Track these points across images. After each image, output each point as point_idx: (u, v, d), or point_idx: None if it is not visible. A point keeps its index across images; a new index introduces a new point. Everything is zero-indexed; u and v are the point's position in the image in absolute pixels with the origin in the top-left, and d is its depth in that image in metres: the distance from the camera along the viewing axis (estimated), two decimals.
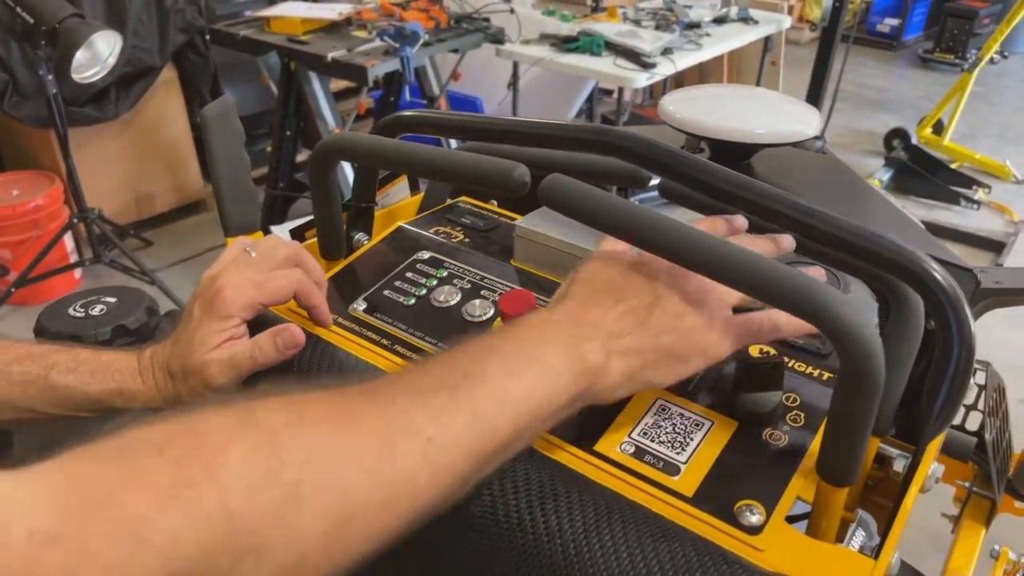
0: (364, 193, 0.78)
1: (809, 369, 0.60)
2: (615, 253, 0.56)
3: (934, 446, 0.54)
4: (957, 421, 1.42)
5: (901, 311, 0.60)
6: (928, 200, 3.75)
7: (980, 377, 1.39)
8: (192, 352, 0.58)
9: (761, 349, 0.61)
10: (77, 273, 3.07)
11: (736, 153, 0.82)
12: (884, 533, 0.51)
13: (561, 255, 0.69)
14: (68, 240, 2.98)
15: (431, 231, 0.78)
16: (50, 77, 2.51)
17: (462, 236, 0.77)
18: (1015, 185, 3.92)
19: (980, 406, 1.35)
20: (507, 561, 0.47)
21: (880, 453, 0.60)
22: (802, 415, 0.55)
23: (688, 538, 0.47)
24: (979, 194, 3.72)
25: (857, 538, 0.56)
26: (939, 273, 0.50)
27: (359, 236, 0.80)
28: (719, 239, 0.49)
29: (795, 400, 0.57)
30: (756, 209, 0.56)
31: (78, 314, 0.87)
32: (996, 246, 3.31)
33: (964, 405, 1.42)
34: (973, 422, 1.34)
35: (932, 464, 0.53)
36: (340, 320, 0.67)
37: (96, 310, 0.87)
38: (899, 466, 0.57)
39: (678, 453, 0.53)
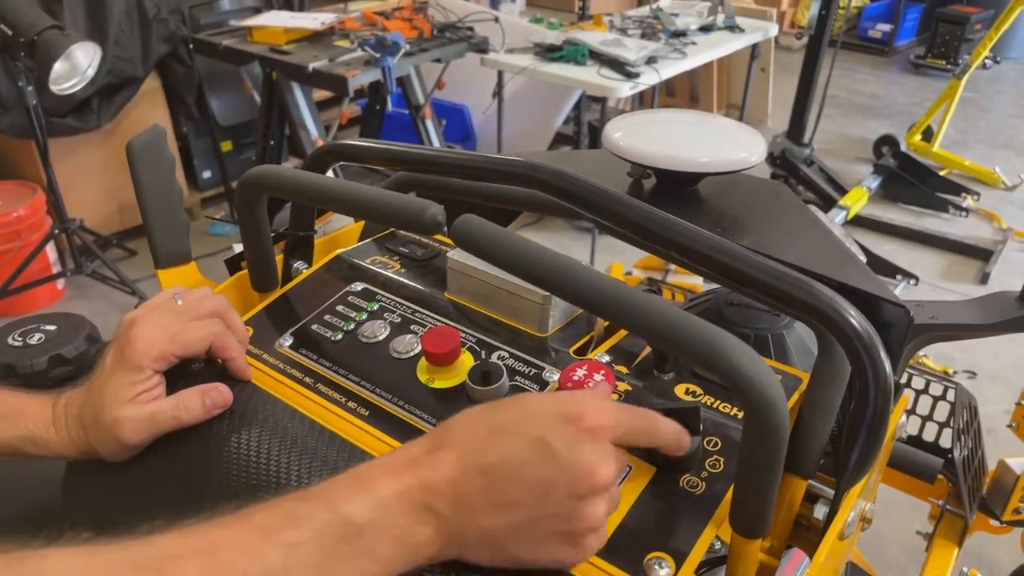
0: (301, 222, 0.77)
1: (734, 411, 0.58)
2: (564, 426, 0.46)
3: (854, 493, 0.52)
4: (930, 438, 1.42)
5: (826, 351, 0.59)
6: (916, 208, 3.74)
7: (950, 395, 1.38)
8: (104, 406, 0.56)
9: (687, 389, 0.60)
10: (60, 284, 3.06)
11: (681, 180, 0.81)
12: None
13: (493, 289, 0.68)
14: (51, 251, 2.97)
15: (368, 261, 0.77)
16: (30, 88, 2.50)
17: (399, 266, 0.76)
18: (1004, 192, 3.91)
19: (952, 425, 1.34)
20: None
21: (811, 491, 0.59)
22: (722, 460, 0.54)
23: None
24: (968, 201, 3.71)
25: None
26: (855, 318, 0.49)
27: (298, 265, 0.79)
28: (627, 287, 0.47)
29: (716, 444, 0.55)
30: (675, 249, 0.55)
31: (16, 343, 0.85)
32: (984, 254, 3.29)
33: (936, 422, 1.41)
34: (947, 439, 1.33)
35: (850, 512, 0.52)
36: (266, 357, 0.66)
37: (34, 339, 0.86)
38: (821, 512, 0.55)
39: None
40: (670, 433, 0.51)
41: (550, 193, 0.60)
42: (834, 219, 3.27)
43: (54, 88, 2.45)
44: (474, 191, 0.77)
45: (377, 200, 0.57)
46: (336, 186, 0.60)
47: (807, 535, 0.66)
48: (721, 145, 0.79)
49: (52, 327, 0.88)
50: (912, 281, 3.09)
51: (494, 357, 0.63)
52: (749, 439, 0.45)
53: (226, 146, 3.52)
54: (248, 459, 0.55)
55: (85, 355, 0.86)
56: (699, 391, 0.60)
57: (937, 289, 3.13)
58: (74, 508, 0.61)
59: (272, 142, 2.98)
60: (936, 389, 1.41)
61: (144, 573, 0.38)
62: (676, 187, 0.81)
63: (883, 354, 0.49)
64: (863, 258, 0.79)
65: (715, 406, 0.59)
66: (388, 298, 0.71)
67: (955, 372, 2.59)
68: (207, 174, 3.56)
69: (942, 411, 1.39)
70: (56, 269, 3.01)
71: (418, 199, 0.55)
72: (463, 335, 0.65)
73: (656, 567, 0.48)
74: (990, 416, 2.31)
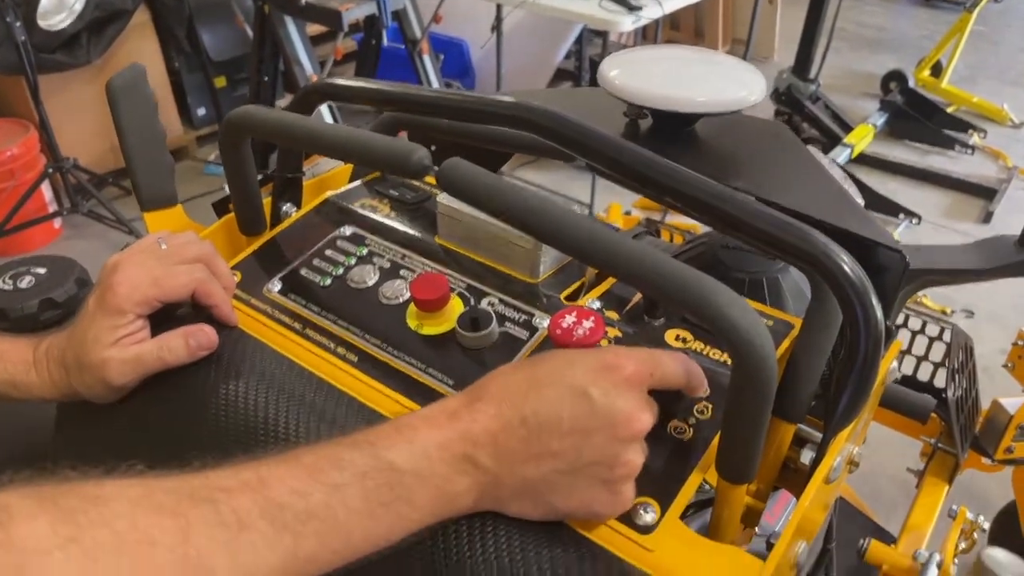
0: (289, 164, 0.76)
1: (724, 357, 0.58)
2: (602, 375, 0.46)
3: (841, 439, 0.52)
4: (924, 378, 1.42)
5: (818, 297, 0.58)
6: (922, 145, 3.68)
7: (946, 335, 1.38)
8: (86, 349, 0.56)
9: (678, 335, 0.60)
10: (56, 223, 3.04)
11: (678, 121, 0.79)
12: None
13: (483, 234, 0.67)
14: (46, 190, 2.94)
15: (357, 204, 0.76)
16: (18, 24, 2.44)
17: (388, 209, 0.75)
18: (1012, 129, 3.84)
19: (947, 366, 1.34)
20: (386, 564, 0.46)
21: (800, 435, 0.59)
22: (710, 406, 0.54)
23: (573, 542, 0.46)
24: (974, 139, 3.65)
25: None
26: (847, 264, 0.48)
27: (287, 208, 0.77)
28: (615, 234, 0.46)
29: (705, 390, 0.55)
30: (667, 192, 0.54)
31: (6, 287, 0.85)
32: (988, 193, 3.26)
33: (931, 362, 1.41)
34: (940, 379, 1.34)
35: (837, 458, 0.52)
36: (254, 302, 0.65)
37: (24, 282, 0.85)
38: (807, 458, 0.55)
39: None
40: (697, 376, 0.52)
41: (540, 135, 0.58)
42: (838, 158, 3.22)
43: (42, 23, 2.40)
44: (465, 132, 0.76)
45: (362, 143, 0.55)
46: (320, 128, 0.59)
47: (795, 477, 0.66)
48: (719, 84, 0.77)
49: (42, 270, 0.87)
50: (914, 220, 3.07)
51: (484, 303, 0.63)
52: (736, 388, 0.45)
53: (220, 82, 3.45)
54: (235, 404, 0.55)
55: (75, 298, 0.85)
56: (689, 337, 0.59)
57: (939, 228, 3.11)
58: (66, 452, 0.61)
59: (266, 78, 2.92)
60: (932, 330, 1.41)
61: (197, 502, 0.39)
62: (672, 127, 0.79)
63: (875, 301, 0.49)
64: (861, 201, 0.78)
65: (704, 352, 0.58)
66: (377, 242, 0.70)
67: (953, 312, 2.59)
68: (201, 111, 3.50)
69: (938, 351, 1.39)
70: (52, 209, 2.99)
71: (404, 142, 0.54)
72: (453, 281, 0.65)
73: (642, 512, 0.48)
74: (986, 355, 2.31)
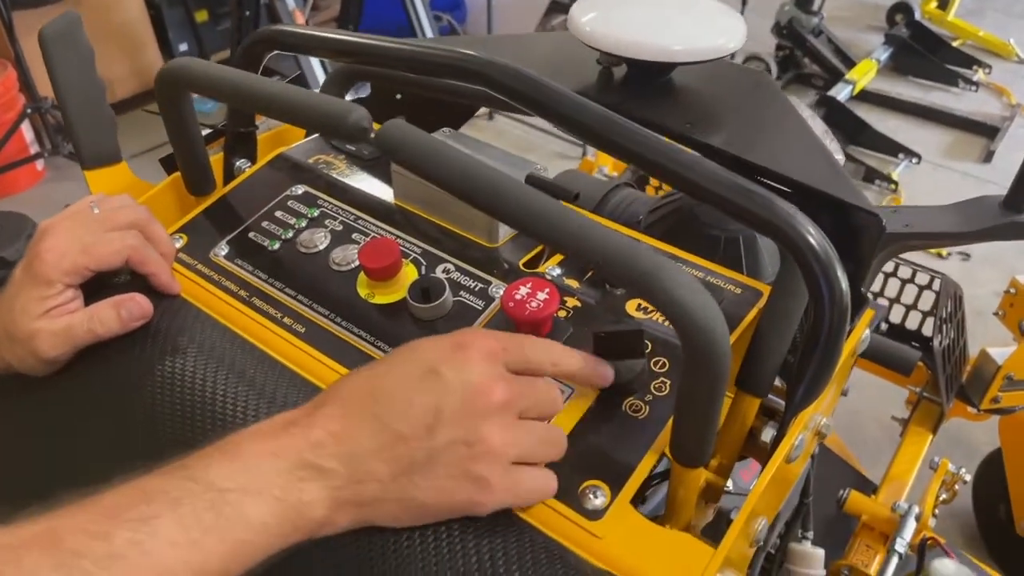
0: (239, 118, 0.72)
1: None
2: (452, 353, 0.43)
3: (802, 418, 0.50)
4: (912, 327, 1.40)
5: (786, 265, 0.56)
6: (925, 81, 3.58)
7: (936, 284, 1.36)
8: (14, 320, 0.53)
9: (639, 304, 0.57)
10: (39, 165, 2.98)
11: (653, 70, 0.74)
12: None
13: (441, 195, 0.63)
14: (27, 131, 2.88)
15: (312, 160, 0.72)
16: None
17: (344, 167, 0.71)
18: (1017, 65, 3.73)
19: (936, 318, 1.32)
20: (314, 554, 0.44)
21: (767, 405, 0.57)
22: (668, 383, 0.52)
23: (515, 530, 0.44)
24: (978, 75, 3.55)
25: None
26: (812, 236, 0.45)
27: (240, 163, 0.74)
28: (560, 208, 0.43)
29: (664, 365, 0.53)
30: (627, 155, 0.51)
31: None
32: (990, 131, 3.18)
33: (920, 311, 1.39)
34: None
35: (798, 436, 0.50)
36: (200, 267, 0.62)
37: None
38: (768, 436, 0.53)
39: None
40: (590, 373, 0.48)
41: (496, 91, 0.54)
42: (839, 95, 3.14)
43: None
44: (425, 84, 0.71)
45: (298, 102, 0.51)
46: (257, 85, 0.54)
47: (762, 447, 0.65)
48: (697, 31, 0.72)
49: None
50: (914, 159, 3.00)
51: (439, 270, 0.60)
52: (688, 372, 0.42)
53: (201, 16, 3.34)
54: (171, 380, 0.52)
55: None
56: (651, 307, 0.56)
57: (939, 167, 3.05)
58: (3, 427, 0.59)
59: (247, 12, 2.81)
60: (922, 278, 1.39)
61: None
62: (647, 77, 0.74)
63: (840, 274, 0.46)
64: (841, 157, 0.74)
65: (666, 323, 0.55)
66: (330, 203, 0.66)
67: (948, 254, 2.56)
68: (183, 47, 3.39)
69: (927, 300, 1.37)
70: (33, 150, 2.93)
71: (341, 102, 0.50)
72: (407, 246, 0.61)
73: (591, 495, 0.46)
74: (981, 298, 2.29)
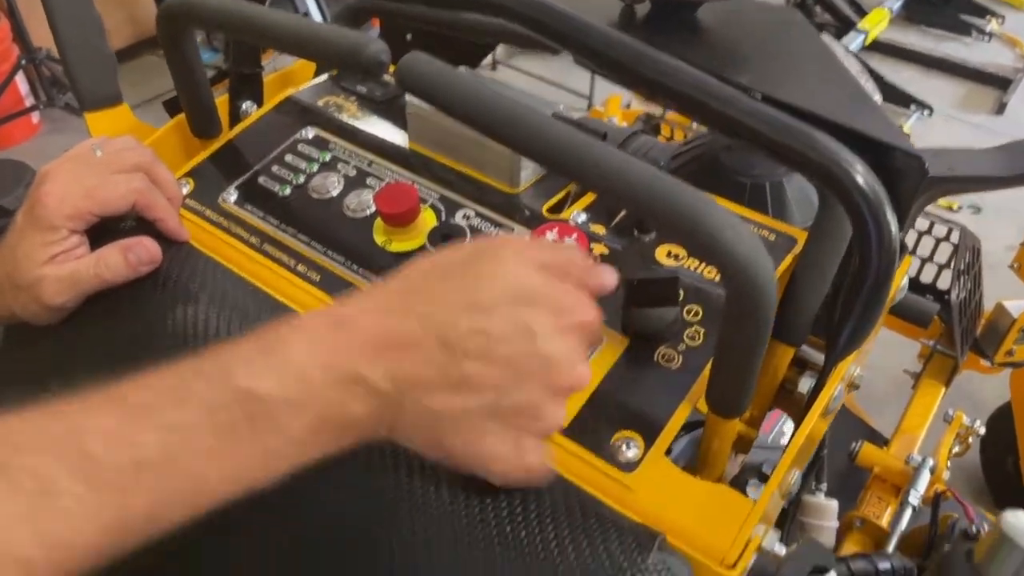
0: (245, 58, 0.68)
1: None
2: (554, 316, 0.38)
3: (843, 367, 0.48)
4: (928, 280, 1.38)
5: (827, 209, 0.53)
6: (938, 30, 3.51)
7: (954, 236, 1.33)
8: (18, 267, 0.51)
9: (670, 252, 0.55)
10: (35, 118, 2.93)
11: (678, 7, 0.71)
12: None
13: (458, 137, 0.61)
14: (21, 83, 2.82)
15: (321, 102, 0.69)
16: None
17: (355, 109, 0.68)
18: None
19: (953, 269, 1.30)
20: (345, 505, 0.42)
21: (798, 357, 0.55)
22: (701, 332, 0.49)
23: (547, 485, 0.42)
24: (992, 25, 3.47)
25: None
26: (861, 175, 0.43)
27: (246, 106, 0.71)
28: (592, 142, 0.40)
29: (697, 313, 0.50)
30: (659, 90, 0.48)
31: None
32: (1003, 83, 3.12)
33: (937, 264, 1.37)
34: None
35: (837, 386, 0.48)
36: (208, 214, 0.60)
37: None
38: (805, 387, 0.51)
39: None
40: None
41: (521, 24, 0.51)
42: (851, 45, 3.06)
43: None
44: (440, 20, 0.68)
45: (310, 34, 0.48)
46: (267, 16, 0.51)
47: (791, 399, 0.63)
48: None
49: None
50: (926, 111, 2.95)
51: (458, 216, 0.57)
52: (731, 319, 0.40)
53: None
54: (183, 327, 0.50)
55: None
56: (682, 253, 0.54)
57: (951, 120, 3.00)
58: (13, 376, 0.57)
59: None
60: (939, 230, 1.36)
61: None
62: (672, 14, 0.71)
63: (890, 216, 0.43)
64: (878, 97, 0.71)
65: (699, 270, 0.53)
66: (342, 147, 0.63)
67: (959, 207, 2.52)
68: None
69: (943, 252, 1.34)
70: (29, 103, 2.87)
71: (357, 34, 0.47)
72: (424, 191, 0.59)
73: (624, 447, 0.44)
74: (991, 252, 2.26)
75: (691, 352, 0.48)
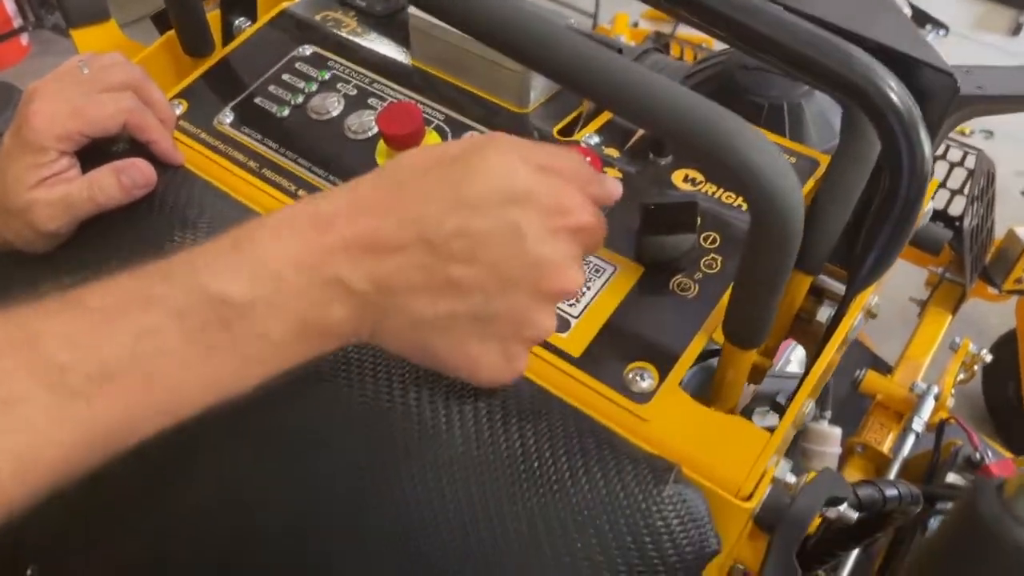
0: None
1: (738, 200, 0.51)
2: (547, 217, 0.36)
3: (865, 295, 0.46)
4: (939, 206, 1.35)
5: (853, 130, 0.50)
6: None
7: (969, 161, 1.30)
8: (7, 191, 0.49)
9: (687, 176, 0.52)
10: (24, 40, 2.84)
11: None
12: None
13: (465, 54, 0.57)
14: (8, 4, 2.72)
15: (319, 17, 0.65)
16: None
17: (355, 24, 0.65)
18: None
19: (966, 194, 1.27)
20: (357, 438, 0.42)
21: (815, 286, 0.54)
22: (719, 259, 0.48)
23: (558, 411, 0.41)
24: None
25: None
26: (895, 92, 0.40)
27: (239, 22, 0.67)
28: (610, 55, 0.37)
29: (715, 240, 0.48)
30: (675, 1, 0.44)
31: None
32: (1019, 2, 3.01)
33: (950, 189, 1.34)
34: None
35: (857, 316, 0.46)
36: (203, 136, 0.57)
37: None
38: (824, 316, 0.50)
39: (571, 305, 0.46)
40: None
41: None
42: None
43: None
44: None
45: None
46: None
47: (807, 329, 0.62)
48: None
49: None
50: (942, 31, 2.85)
51: (465, 137, 0.54)
52: (754, 245, 0.38)
53: None
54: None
55: None
56: (699, 178, 0.52)
57: (965, 39, 2.91)
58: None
59: None
60: (955, 155, 1.33)
61: None
62: None
63: (924, 136, 0.41)
64: (908, 10, 0.67)
65: (716, 195, 0.51)
66: (342, 64, 0.60)
67: (972, 132, 2.47)
68: None
69: (957, 177, 1.32)
70: (16, 24, 2.78)
71: None
72: (429, 111, 0.56)
73: (638, 378, 0.43)
74: (1001, 177, 2.22)
75: (708, 280, 0.47)
